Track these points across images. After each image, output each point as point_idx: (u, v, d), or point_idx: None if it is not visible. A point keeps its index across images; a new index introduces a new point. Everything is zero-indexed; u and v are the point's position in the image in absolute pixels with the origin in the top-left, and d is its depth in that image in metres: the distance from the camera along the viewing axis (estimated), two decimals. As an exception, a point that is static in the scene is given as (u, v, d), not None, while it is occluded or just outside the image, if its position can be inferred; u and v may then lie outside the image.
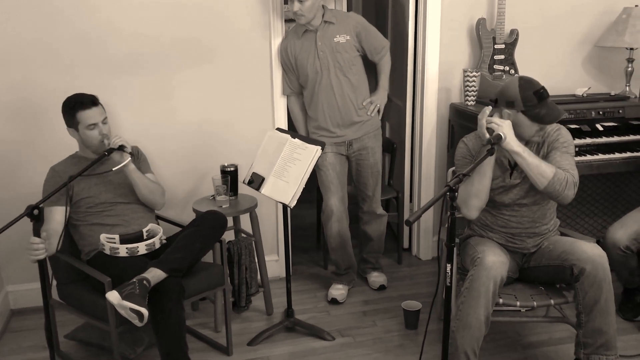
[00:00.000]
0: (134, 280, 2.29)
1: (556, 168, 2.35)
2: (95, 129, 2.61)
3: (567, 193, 2.36)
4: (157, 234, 2.67)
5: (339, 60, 3.10)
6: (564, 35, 3.69)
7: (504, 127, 2.32)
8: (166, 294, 2.36)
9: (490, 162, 2.38)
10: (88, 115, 2.59)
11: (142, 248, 2.57)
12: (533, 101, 2.36)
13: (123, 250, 2.55)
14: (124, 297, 2.22)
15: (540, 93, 2.37)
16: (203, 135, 3.33)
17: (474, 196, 2.41)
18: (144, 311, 2.22)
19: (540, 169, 2.33)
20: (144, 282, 2.29)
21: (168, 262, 2.43)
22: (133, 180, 2.67)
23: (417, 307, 3.03)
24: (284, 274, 3.31)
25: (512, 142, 2.32)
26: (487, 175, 2.39)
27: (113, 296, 2.24)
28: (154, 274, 2.35)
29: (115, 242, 2.58)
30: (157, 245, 2.64)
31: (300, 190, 2.65)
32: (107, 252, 2.56)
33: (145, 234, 2.67)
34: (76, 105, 2.60)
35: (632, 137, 3.30)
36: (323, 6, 3.09)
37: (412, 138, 3.83)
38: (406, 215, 3.85)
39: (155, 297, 2.34)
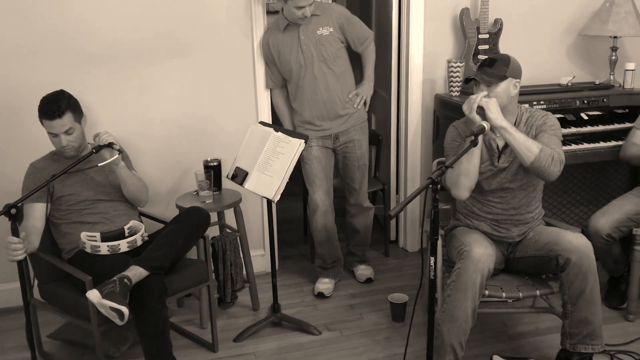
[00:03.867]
0: (115, 278, 2.26)
1: (542, 145, 2.38)
2: (56, 137, 2.57)
3: (553, 169, 2.38)
4: (139, 231, 2.64)
5: (323, 53, 3.07)
6: (548, 25, 3.67)
7: (491, 104, 2.35)
8: (148, 292, 2.33)
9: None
10: (49, 125, 2.55)
11: (123, 246, 2.54)
12: None
13: (104, 248, 2.51)
14: (104, 296, 2.19)
15: None
16: (185, 130, 3.29)
17: (463, 175, 2.42)
18: (124, 310, 2.19)
19: (526, 144, 2.35)
20: (125, 280, 2.26)
21: (149, 259, 2.40)
22: (121, 177, 2.64)
23: (403, 299, 3.02)
24: (270, 269, 3.28)
25: (498, 118, 2.35)
26: (476, 154, 2.41)
27: (93, 295, 2.20)
28: (135, 272, 2.33)
29: (96, 240, 2.55)
30: (139, 243, 2.60)
31: (284, 184, 2.62)
32: (88, 250, 2.52)
33: (127, 232, 2.64)
34: (41, 112, 2.56)
35: (616, 126, 3.30)
36: None
37: (398, 130, 3.81)
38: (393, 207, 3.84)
39: (138, 295, 2.32)
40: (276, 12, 3.09)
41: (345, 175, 3.35)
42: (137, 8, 3.07)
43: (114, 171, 2.64)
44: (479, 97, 2.37)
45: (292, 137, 2.67)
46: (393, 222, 3.98)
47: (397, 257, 3.83)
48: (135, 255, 2.50)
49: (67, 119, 2.55)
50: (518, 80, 2.48)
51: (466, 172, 2.42)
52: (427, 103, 3.63)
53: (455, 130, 2.63)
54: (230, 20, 3.21)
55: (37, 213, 2.55)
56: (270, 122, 3.27)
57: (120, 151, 2.58)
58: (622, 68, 3.51)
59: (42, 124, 2.58)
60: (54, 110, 2.53)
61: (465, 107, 2.40)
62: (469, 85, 2.53)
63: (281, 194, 2.63)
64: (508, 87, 2.45)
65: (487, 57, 2.53)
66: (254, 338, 2.92)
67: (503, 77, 2.43)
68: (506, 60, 2.46)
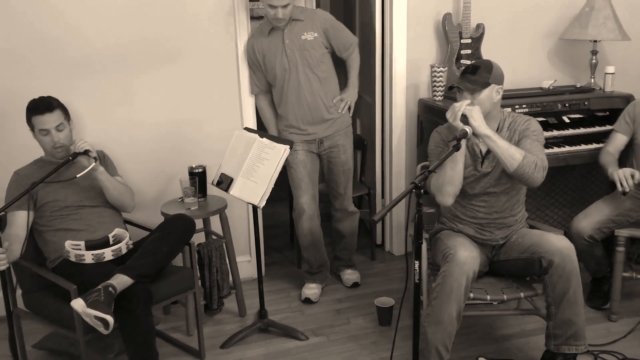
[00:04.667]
0: (100, 287, 2.25)
1: (526, 152, 2.39)
2: (47, 135, 2.58)
3: (536, 175, 2.40)
4: (124, 239, 2.63)
5: (307, 58, 3.08)
6: (530, 29, 3.72)
7: (474, 112, 2.36)
8: (133, 300, 2.32)
9: (461, 149, 2.39)
10: (40, 121, 2.56)
11: (108, 254, 2.53)
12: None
13: (89, 257, 2.49)
14: (88, 305, 2.18)
15: None
16: (170, 137, 3.28)
17: (448, 183, 2.43)
18: (109, 319, 2.18)
19: (510, 152, 2.37)
20: (110, 288, 2.25)
21: (134, 267, 2.39)
22: (102, 183, 2.64)
23: (389, 303, 3.03)
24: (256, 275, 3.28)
25: (482, 126, 2.36)
26: (459, 161, 2.42)
27: (78, 304, 2.19)
28: (120, 280, 2.32)
29: (80, 249, 2.53)
30: (124, 251, 2.59)
31: (270, 190, 2.63)
32: (73, 259, 2.50)
33: (111, 240, 2.62)
34: (31, 110, 2.58)
35: (597, 129, 3.34)
36: None
37: (382, 134, 3.83)
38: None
39: (123, 303, 2.31)
40: (260, 18, 3.10)
41: (330, 179, 3.36)
42: (121, 15, 3.06)
43: (95, 177, 2.64)
44: (463, 105, 2.37)
45: (277, 142, 2.68)
46: (379, 226, 4.00)
47: (383, 261, 3.84)
48: (120, 263, 2.49)
49: (58, 115, 2.58)
50: (501, 86, 2.50)
51: (450, 179, 2.43)
52: (411, 108, 3.65)
53: (439, 135, 2.65)
54: (214, 26, 3.21)
55: (20, 221, 2.53)
56: (256, 128, 3.27)
57: (96, 159, 2.59)
58: (602, 71, 3.56)
59: (31, 124, 2.58)
60: (45, 105, 2.56)
61: (448, 115, 2.41)
62: (452, 90, 2.54)
63: (267, 200, 2.63)
64: (491, 94, 2.47)
65: (469, 63, 2.55)
66: (241, 344, 2.91)
67: (486, 84, 2.45)
68: (489, 66, 2.48)
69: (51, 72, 3.03)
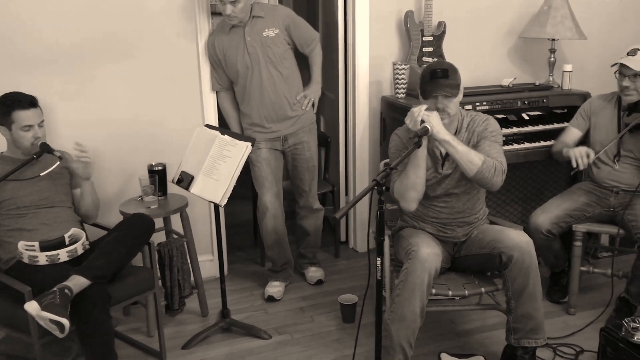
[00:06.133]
0: (55, 289, 2.19)
1: (485, 156, 2.40)
2: (30, 130, 2.51)
3: (495, 180, 2.41)
4: (80, 239, 2.55)
5: (270, 55, 3.05)
6: (490, 27, 3.76)
7: (432, 118, 2.34)
8: (90, 302, 2.26)
9: (423, 154, 2.39)
10: (25, 116, 2.48)
11: (63, 255, 2.45)
12: None
13: (43, 259, 2.42)
14: (43, 307, 2.11)
15: None
16: (130, 134, 3.21)
17: (411, 188, 2.43)
18: (65, 322, 2.11)
19: (469, 157, 2.37)
20: (66, 290, 2.19)
21: (91, 268, 2.33)
22: (84, 190, 2.66)
23: (353, 300, 3.03)
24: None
25: (441, 132, 2.34)
26: (422, 166, 2.41)
27: (32, 307, 2.12)
28: (77, 282, 2.25)
29: (34, 250, 2.45)
30: (80, 252, 2.52)
31: (231, 188, 2.59)
32: (26, 260, 2.42)
33: (67, 240, 2.54)
34: (13, 104, 2.48)
35: (555, 126, 3.40)
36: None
37: (346, 131, 3.83)
38: (342, 209, 3.85)
39: (80, 305, 2.25)
40: (220, 13, 3.05)
41: (295, 177, 3.34)
42: (77, 9, 2.97)
43: (80, 185, 2.67)
44: (421, 111, 2.34)
45: (239, 140, 2.65)
46: (343, 223, 4.00)
47: (347, 258, 3.84)
48: (76, 264, 2.42)
49: (39, 111, 2.54)
50: (463, 87, 2.52)
51: (414, 185, 2.42)
52: (374, 105, 3.66)
53: (399, 139, 2.63)
54: (174, 22, 3.15)
55: None
56: (217, 125, 3.23)
57: (60, 157, 2.52)
58: (560, 69, 3.63)
59: (10, 119, 2.48)
60: (28, 101, 2.50)
61: (408, 121, 2.38)
62: (427, 101, 2.47)
63: (230, 198, 2.60)
64: (460, 96, 2.48)
65: (435, 68, 2.46)
66: (203, 345, 2.88)
67: (459, 86, 2.45)
68: (454, 68, 2.47)
69: (5, 69, 2.92)
